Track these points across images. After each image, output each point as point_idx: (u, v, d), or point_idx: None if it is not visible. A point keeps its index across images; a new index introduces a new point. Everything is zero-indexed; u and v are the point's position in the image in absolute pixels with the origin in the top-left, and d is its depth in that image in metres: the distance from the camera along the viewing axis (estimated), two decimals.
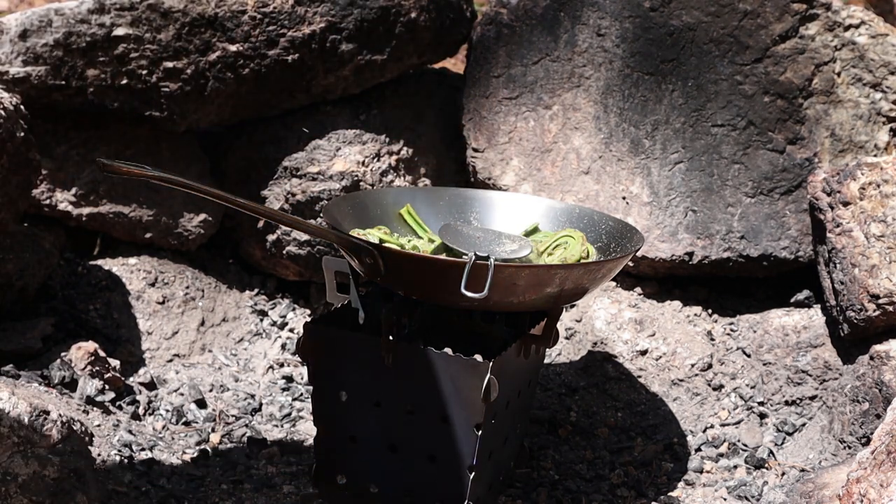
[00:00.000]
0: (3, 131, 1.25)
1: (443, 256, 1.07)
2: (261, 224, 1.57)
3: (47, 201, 1.48)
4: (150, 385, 1.39)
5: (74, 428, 1.10)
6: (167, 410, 1.34)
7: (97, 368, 1.33)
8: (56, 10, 1.38)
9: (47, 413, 1.07)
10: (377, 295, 1.13)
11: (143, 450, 1.24)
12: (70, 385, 1.30)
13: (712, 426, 1.37)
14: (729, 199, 1.45)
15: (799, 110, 1.45)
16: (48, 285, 1.44)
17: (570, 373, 1.42)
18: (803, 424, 1.34)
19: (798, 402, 1.36)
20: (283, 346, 1.52)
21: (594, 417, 1.37)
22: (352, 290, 1.13)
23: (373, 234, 1.14)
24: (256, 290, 1.61)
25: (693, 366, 1.42)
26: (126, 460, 1.21)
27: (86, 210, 1.50)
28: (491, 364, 1.00)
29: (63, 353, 1.32)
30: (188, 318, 1.51)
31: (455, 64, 1.95)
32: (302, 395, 1.42)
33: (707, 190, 1.46)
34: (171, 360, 1.46)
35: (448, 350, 1.14)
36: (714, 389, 1.41)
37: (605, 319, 1.47)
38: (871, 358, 1.25)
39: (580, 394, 1.40)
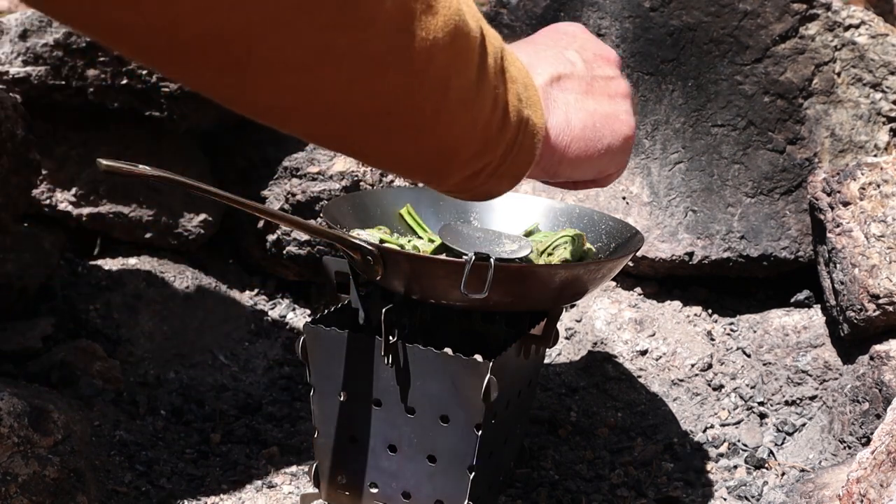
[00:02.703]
0: (3, 131, 1.25)
1: (443, 256, 1.06)
2: (261, 224, 1.57)
3: (47, 201, 1.48)
4: (150, 385, 1.39)
5: (74, 428, 1.10)
6: (167, 410, 1.34)
7: (97, 368, 1.33)
8: None
9: (47, 413, 1.07)
10: (377, 295, 1.14)
11: (143, 450, 1.24)
12: (70, 385, 1.30)
13: (712, 426, 1.37)
14: (729, 199, 1.45)
15: (799, 110, 1.45)
16: (48, 285, 1.44)
17: (570, 373, 1.42)
18: (803, 424, 1.34)
19: (798, 402, 1.36)
20: (284, 346, 1.52)
21: (594, 417, 1.37)
22: (352, 290, 1.13)
23: (373, 234, 1.14)
24: (256, 290, 1.61)
25: (693, 366, 1.42)
26: (126, 460, 1.21)
27: (86, 210, 1.50)
28: (491, 364, 1.00)
29: (63, 354, 1.32)
30: (188, 318, 1.51)
31: None
32: (302, 395, 1.42)
33: (707, 190, 1.46)
34: (170, 360, 1.46)
35: (448, 350, 1.14)
36: (714, 389, 1.41)
37: (605, 319, 1.47)
38: (871, 358, 1.25)
39: (580, 394, 1.40)
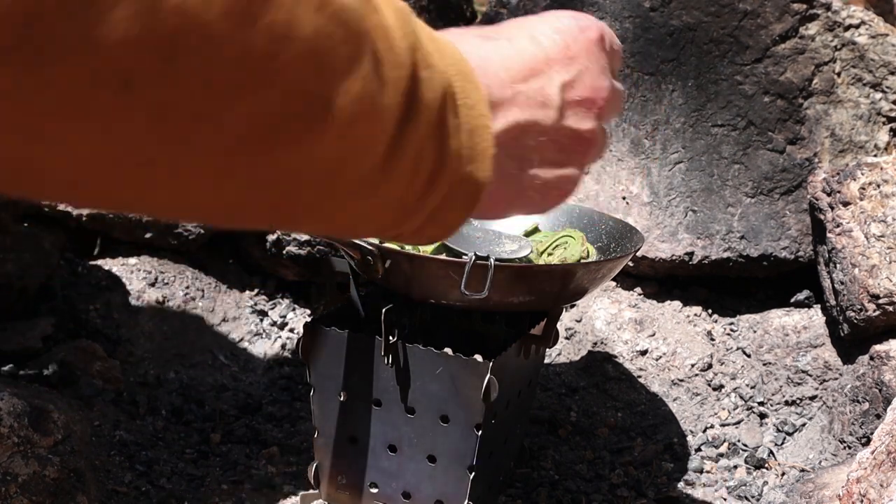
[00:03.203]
0: None
1: (443, 256, 1.06)
2: None
3: (47, 201, 1.48)
4: (150, 385, 1.39)
5: (74, 428, 1.10)
6: (167, 410, 1.34)
7: (97, 368, 1.33)
8: None
9: (47, 413, 1.07)
10: (377, 295, 1.14)
11: (143, 450, 1.24)
12: (70, 385, 1.30)
13: (712, 426, 1.37)
14: (729, 199, 1.45)
15: (799, 110, 1.45)
16: (48, 285, 1.44)
17: (570, 373, 1.42)
18: (803, 424, 1.34)
19: (798, 402, 1.36)
20: (284, 346, 1.52)
21: (594, 417, 1.37)
22: (352, 290, 1.13)
23: None
24: (256, 290, 1.61)
25: (693, 366, 1.42)
26: (126, 460, 1.21)
27: (86, 210, 1.50)
28: (491, 364, 1.00)
29: (63, 353, 1.32)
30: (188, 318, 1.51)
31: None
32: (302, 395, 1.42)
33: (707, 190, 1.46)
34: (170, 360, 1.46)
35: (448, 350, 1.14)
36: (714, 389, 1.41)
37: (605, 319, 1.47)
38: (871, 358, 1.25)
39: (580, 394, 1.40)
